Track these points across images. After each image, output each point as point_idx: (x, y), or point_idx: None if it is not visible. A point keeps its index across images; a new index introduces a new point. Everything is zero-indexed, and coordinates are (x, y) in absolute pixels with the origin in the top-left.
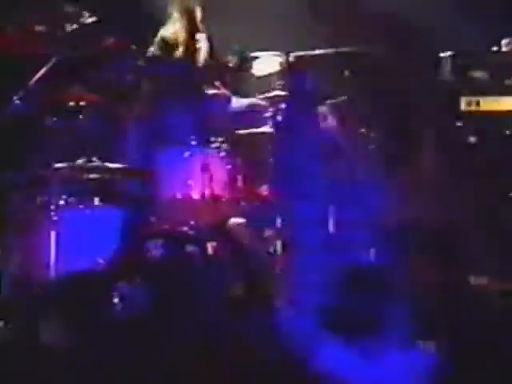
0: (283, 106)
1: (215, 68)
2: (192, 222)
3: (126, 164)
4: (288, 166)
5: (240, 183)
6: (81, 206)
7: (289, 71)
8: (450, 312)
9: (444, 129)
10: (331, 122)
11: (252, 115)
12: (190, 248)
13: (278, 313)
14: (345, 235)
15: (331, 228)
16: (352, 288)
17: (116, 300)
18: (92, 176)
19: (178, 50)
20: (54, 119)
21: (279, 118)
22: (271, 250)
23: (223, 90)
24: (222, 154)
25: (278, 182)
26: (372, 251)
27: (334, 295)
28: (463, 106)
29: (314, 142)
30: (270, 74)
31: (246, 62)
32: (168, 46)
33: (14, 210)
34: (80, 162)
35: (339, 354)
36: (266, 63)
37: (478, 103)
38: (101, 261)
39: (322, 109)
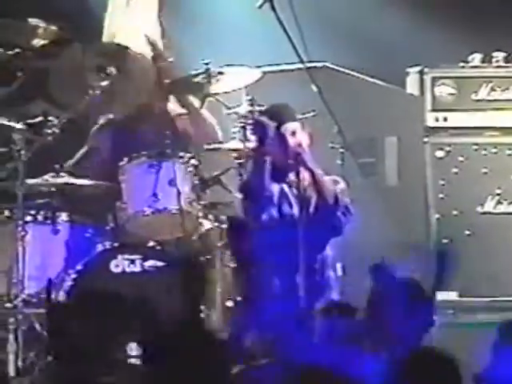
0: (251, 121)
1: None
2: (159, 237)
3: (94, 179)
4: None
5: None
6: (48, 221)
7: (256, 86)
8: None
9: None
10: (300, 137)
11: None
12: (156, 263)
13: None
14: None
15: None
16: None
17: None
18: (60, 191)
19: None
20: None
21: (247, 133)
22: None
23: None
24: (190, 168)
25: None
26: None
27: None
28: (430, 122)
29: (282, 157)
30: (238, 89)
31: (213, 77)
32: None
33: None
34: (47, 176)
35: None
36: (234, 78)
37: (445, 119)
38: (67, 277)
39: (291, 124)
